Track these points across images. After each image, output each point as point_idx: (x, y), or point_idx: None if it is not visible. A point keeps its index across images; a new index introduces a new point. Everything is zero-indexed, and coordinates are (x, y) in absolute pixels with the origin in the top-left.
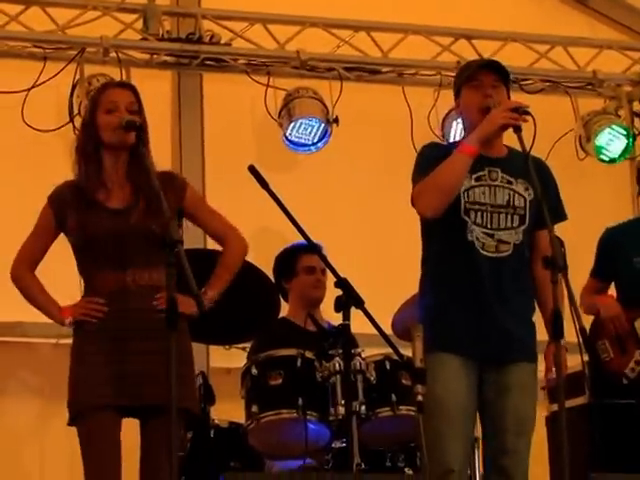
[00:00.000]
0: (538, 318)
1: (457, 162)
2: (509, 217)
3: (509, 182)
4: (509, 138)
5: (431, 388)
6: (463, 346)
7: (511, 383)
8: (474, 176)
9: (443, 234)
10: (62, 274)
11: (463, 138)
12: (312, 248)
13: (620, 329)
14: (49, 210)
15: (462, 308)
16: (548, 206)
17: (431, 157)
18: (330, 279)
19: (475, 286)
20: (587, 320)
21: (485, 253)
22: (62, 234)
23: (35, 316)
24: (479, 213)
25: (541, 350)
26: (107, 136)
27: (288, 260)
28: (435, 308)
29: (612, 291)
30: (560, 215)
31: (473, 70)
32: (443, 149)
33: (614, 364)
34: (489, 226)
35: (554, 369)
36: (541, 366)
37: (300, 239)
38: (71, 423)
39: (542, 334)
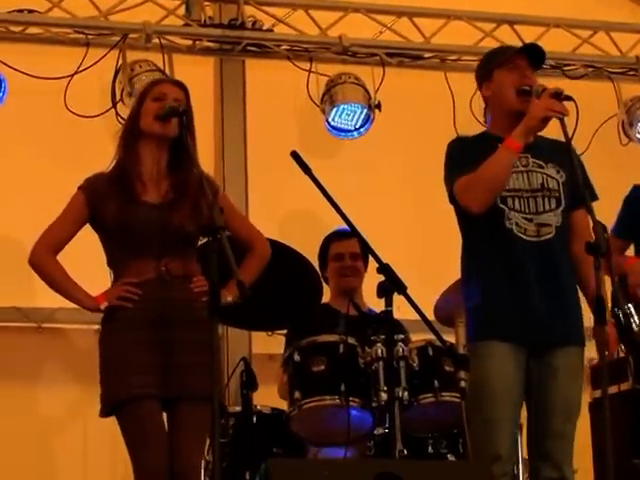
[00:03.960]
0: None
1: (503, 158)
2: (546, 200)
3: (540, 166)
4: (552, 123)
5: (480, 375)
6: (511, 333)
7: (559, 367)
8: None
9: (481, 224)
10: (79, 268)
11: (489, 124)
12: (343, 234)
13: None
14: (82, 197)
15: (507, 295)
16: (579, 187)
17: (463, 151)
18: (373, 265)
19: (518, 272)
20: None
21: (527, 238)
22: (87, 226)
23: (70, 303)
24: (516, 199)
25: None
26: (147, 124)
27: (323, 249)
28: (480, 296)
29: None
30: (592, 195)
31: (511, 54)
32: (470, 141)
33: None
34: (527, 211)
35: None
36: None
37: (342, 225)
38: (109, 413)
39: (589, 319)
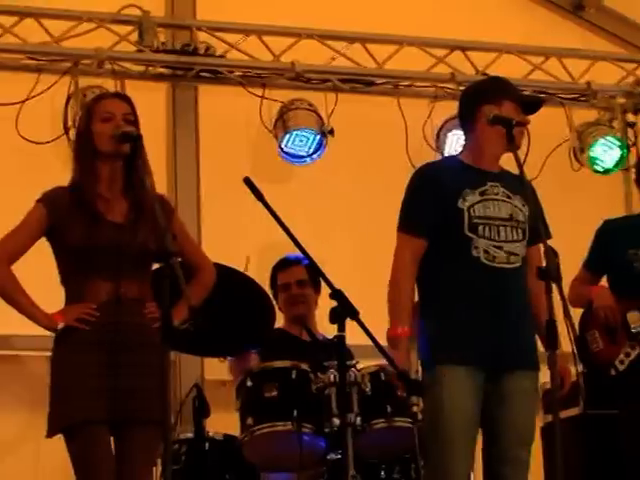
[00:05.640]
0: None
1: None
2: (514, 230)
3: (509, 197)
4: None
5: (437, 400)
6: (469, 357)
7: (514, 391)
8: (478, 191)
9: (444, 252)
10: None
11: (462, 152)
12: (288, 263)
13: (612, 319)
14: (42, 210)
15: (465, 319)
16: (539, 224)
17: (420, 208)
18: (325, 290)
19: (477, 297)
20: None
21: (495, 265)
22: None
23: (24, 328)
24: (487, 227)
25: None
26: (103, 145)
27: (271, 279)
28: (438, 320)
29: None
30: (547, 233)
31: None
32: (433, 181)
33: (603, 355)
34: (497, 239)
35: (559, 378)
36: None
37: (295, 251)
38: (54, 433)
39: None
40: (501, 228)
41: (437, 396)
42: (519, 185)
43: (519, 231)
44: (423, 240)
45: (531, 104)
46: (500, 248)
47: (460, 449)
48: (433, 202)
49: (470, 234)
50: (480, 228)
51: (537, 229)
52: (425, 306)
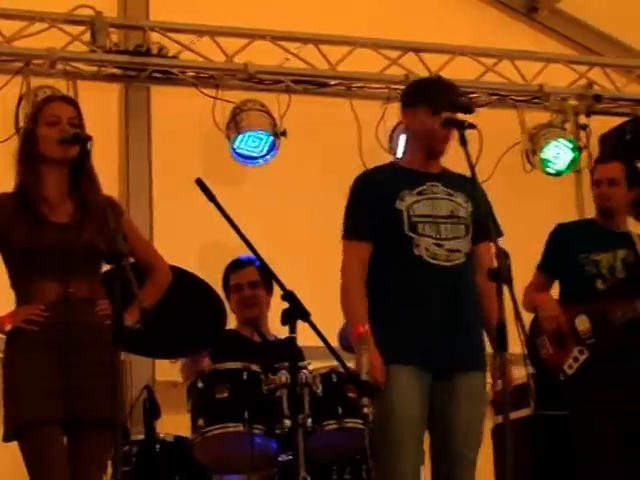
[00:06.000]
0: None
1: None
2: (455, 227)
3: (450, 194)
4: (456, 150)
5: (384, 401)
6: (415, 357)
7: (461, 391)
8: (416, 191)
9: (387, 252)
10: None
11: (404, 154)
12: (240, 264)
13: (558, 327)
14: None
15: (411, 320)
16: (486, 221)
17: (361, 205)
18: (277, 292)
19: (423, 297)
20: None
21: (437, 262)
22: None
23: None
24: (426, 225)
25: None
26: (47, 149)
27: (224, 280)
28: (384, 321)
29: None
30: (497, 231)
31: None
32: (371, 186)
33: (553, 360)
34: (438, 236)
35: (499, 381)
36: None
37: (247, 252)
38: (12, 437)
39: (487, 346)
40: (442, 226)
41: (384, 396)
42: (464, 183)
43: (461, 227)
44: (368, 243)
45: (458, 109)
46: (441, 246)
47: (408, 449)
48: (372, 205)
49: (410, 233)
50: (420, 227)
51: (485, 226)
52: (371, 307)
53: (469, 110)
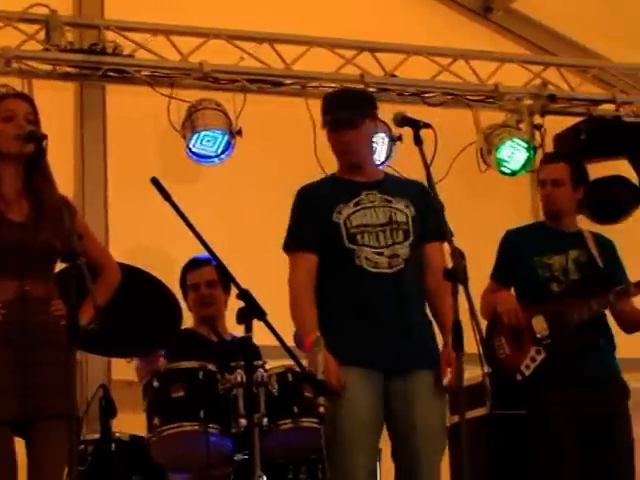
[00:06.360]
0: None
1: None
2: (394, 232)
3: (388, 201)
4: (411, 150)
5: (336, 401)
6: (364, 358)
7: (414, 391)
8: (352, 202)
9: (329, 262)
10: None
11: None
12: (197, 263)
13: (516, 323)
14: None
15: (358, 323)
16: (433, 222)
17: (302, 227)
18: (233, 291)
19: (368, 303)
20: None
21: (378, 271)
22: None
23: None
24: (365, 234)
25: None
26: (4, 144)
27: (181, 279)
28: (332, 326)
29: None
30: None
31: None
32: (310, 199)
33: (510, 360)
34: (377, 245)
35: (447, 376)
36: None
37: (203, 251)
38: None
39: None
40: (380, 234)
41: (334, 397)
42: (405, 188)
43: (399, 233)
44: (313, 255)
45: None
46: (381, 254)
47: (358, 448)
48: (312, 220)
49: (351, 245)
50: (359, 237)
51: (432, 228)
52: (320, 312)
53: (342, 125)
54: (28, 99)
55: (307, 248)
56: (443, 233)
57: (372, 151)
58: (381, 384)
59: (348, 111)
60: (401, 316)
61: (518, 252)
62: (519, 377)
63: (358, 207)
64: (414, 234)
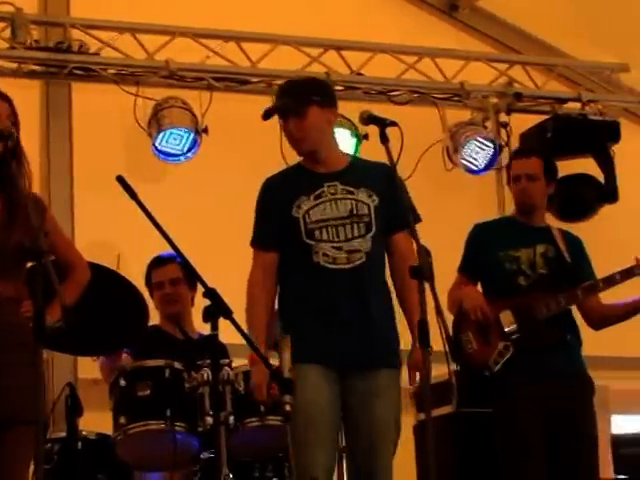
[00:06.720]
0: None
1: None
2: (355, 226)
3: (350, 192)
4: (378, 148)
5: (296, 398)
6: (322, 356)
7: (373, 390)
8: (313, 195)
9: (289, 260)
10: None
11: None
12: (161, 261)
13: (483, 319)
14: None
15: (316, 321)
16: (399, 211)
17: (262, 222)
18: (200, 289)
19: (326, 300)
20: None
21: (336, 267)
22: None
23: None
24: (324, 229)
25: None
26: None
27: (146, 277)
28: (292, 323)
29: None
30: (416, 218)
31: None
32: (271, 193)
33: (478, 355)
34: (337, 239)
35: (416, 376)
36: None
37: (169, 249)
38: None
39: (406, 344)
40: (340, 228)
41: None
42: (371, 175)
43: (361, 226)
44: (272, 253)
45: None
46: (340, 249)
47: (317, 446)
48: (272, 215)
49: (308, 241)
50: (317, 233)
51: (397, 217)
52: (280, 309)
53: (285, 113)
54: (6, 98)
55: (265, 246)
56: (409, 221)
57: (331, 139)
58: (338, 383)
59: (289, 99)
60: (359, 313)
61: (486, 245)
62: (487, 372)
63: (318, 200)
64: (377, 226)
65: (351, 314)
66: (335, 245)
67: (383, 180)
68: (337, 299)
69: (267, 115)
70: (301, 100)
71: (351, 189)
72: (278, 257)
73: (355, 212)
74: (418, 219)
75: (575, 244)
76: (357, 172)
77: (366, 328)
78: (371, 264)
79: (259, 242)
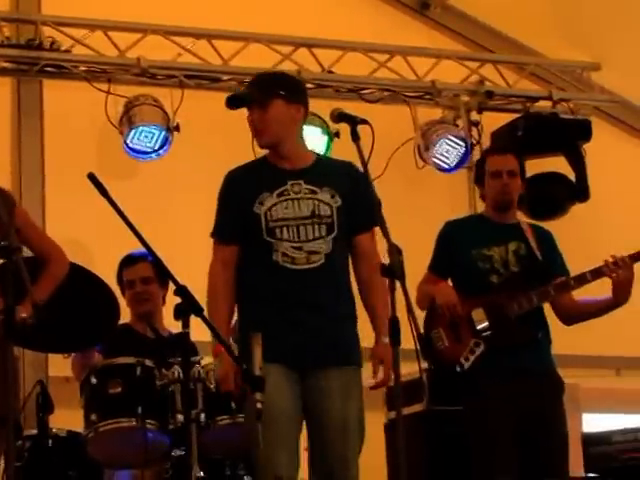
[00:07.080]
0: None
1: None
2: (316, 227)
3: (313, 192)
4: (349, 146)
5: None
6: (281, 355)
7: (331, 387)
8: (276, 192)
9: (248, 257)
10: None
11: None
12: (132, 260)
13: (455, 315)
14: None
15: (277, 321)
16: (363, 212)
17: (223, 215)
18: (171, 287)
19: (284, 300)
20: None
21: (295, 267)
22: None
23: None
24: (284, 228)
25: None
26: None
27: (117, 275)
28: (252, 322)
29: None
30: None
31: None
32: (233, 187)
33: (449, 352)
34: (297, 239)
35: (378, 374)
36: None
37: (140, 247)
38: None
39: (369, 341)
40: (301, 227)
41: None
42: (336, 174)
43: (322, 227)
44: (231, 247)
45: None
46: (300, 249)
47: (278, 445)
48: (233, 210)
49: (269, 238)
50: (278, 231)
51: (360, 218)
52: (240, 308)
53: (238, 100)
54: None
55: (225, 239)
56: (374, 222)
57: (295, 135)
58: (299, 382)
59: (255, 89)
60: (318, 313)
61: (457, 243)
62: (458, 369)
63: (281, 198)
64: (338, 227)
65: (307, 315)
66: (295, 245)
67: (347, 180)
68: (294, 300)
69: (231, 101)
70: (266, 91)
71: (314, 189)
72: (238, 250)
73: (317, 213)
74: (374, 223)
75: (546, 239)
76: (322, 171)
77: (323, 328)
78: (331, 265)
79: (219, 234)
